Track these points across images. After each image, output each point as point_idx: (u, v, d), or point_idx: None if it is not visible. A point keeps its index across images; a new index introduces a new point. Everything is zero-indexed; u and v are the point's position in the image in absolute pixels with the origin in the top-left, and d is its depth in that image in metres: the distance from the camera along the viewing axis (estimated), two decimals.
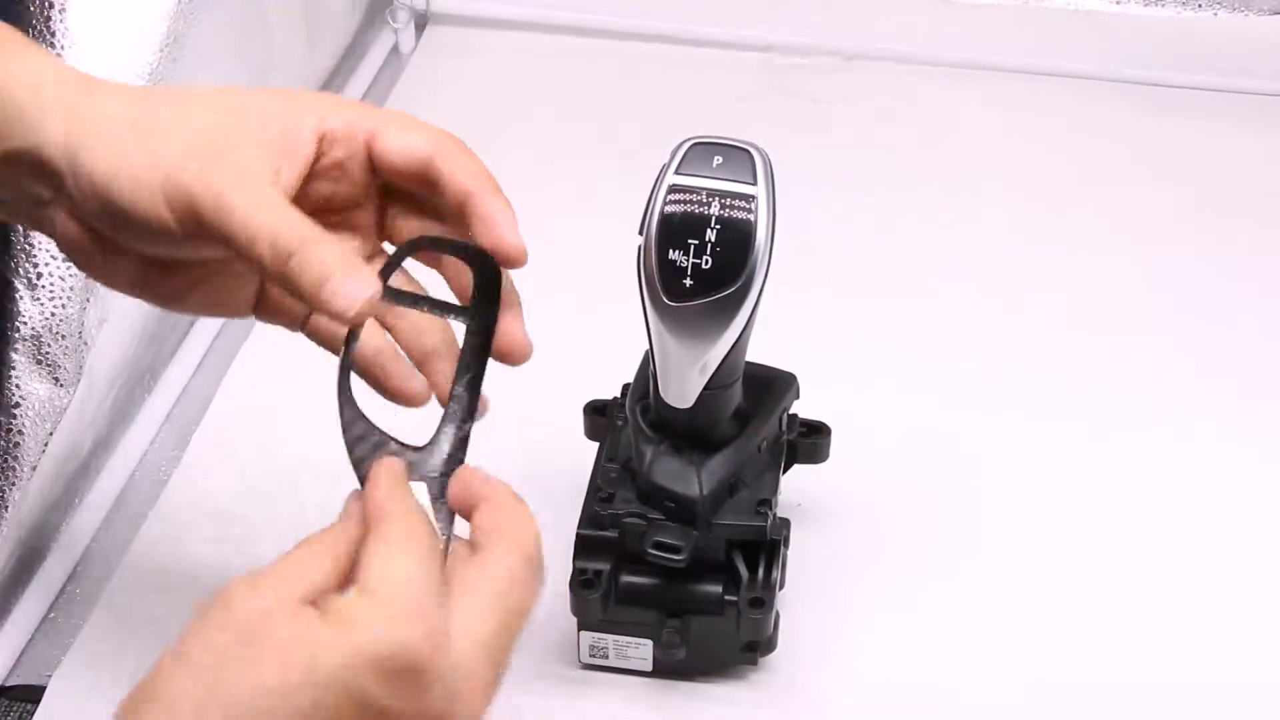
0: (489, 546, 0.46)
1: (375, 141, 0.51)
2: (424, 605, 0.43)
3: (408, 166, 0.51)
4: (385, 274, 0.50)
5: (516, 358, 0.52)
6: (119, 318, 0.74)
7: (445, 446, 0.50)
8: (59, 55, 0.68)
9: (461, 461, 0.50)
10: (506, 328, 0.51)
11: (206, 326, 0.85)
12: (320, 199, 0.52)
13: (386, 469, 0.47)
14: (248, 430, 0.78)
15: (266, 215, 0.47)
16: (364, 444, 0.48)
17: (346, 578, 0.44)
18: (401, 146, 0.51)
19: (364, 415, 0.49)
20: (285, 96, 0.51)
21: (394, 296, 0.51)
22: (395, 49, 1.07)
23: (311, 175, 0.51)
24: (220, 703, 0.40)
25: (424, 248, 0.52)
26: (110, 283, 0.53)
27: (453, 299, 0.53)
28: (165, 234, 0.48)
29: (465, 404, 0.51)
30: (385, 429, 0.49)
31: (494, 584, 0.45)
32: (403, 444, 0.49)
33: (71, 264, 0.68)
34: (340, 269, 0.46)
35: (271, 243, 0.46)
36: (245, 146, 0.48)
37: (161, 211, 0.47)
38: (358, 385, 0.51)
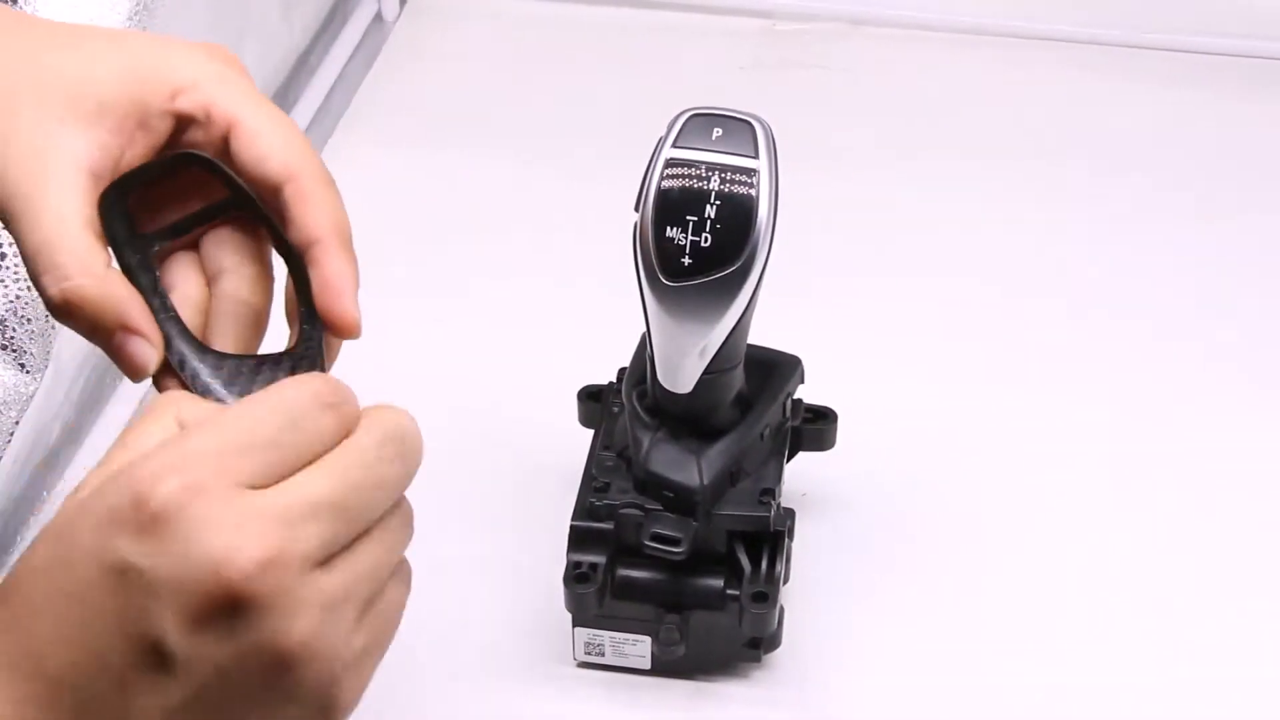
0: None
1: (230, 137, 0.48)
2: (172, 450, 0.39)
3: (257, 180, 0.48)
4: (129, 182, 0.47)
5: (345, 333, 0.48)
6: None
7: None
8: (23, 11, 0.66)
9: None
10: (330, 303, 0.47)
11: None
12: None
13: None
14: None
15: (59, 239, 0.44)
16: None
17: None
18: (254, 159, 0.47)
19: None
20: (143, 60, 0.47)
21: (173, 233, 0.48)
22: (378, 16, 1.08)
23: (167, 147, 0.48)
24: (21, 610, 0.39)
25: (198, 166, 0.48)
26: None
27: None
28: None
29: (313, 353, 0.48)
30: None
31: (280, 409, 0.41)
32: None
33: None
34: (137, 327, 0.45)
35: (56, 269, 0.44)
36: (72, 132, 0.45)
37: None
38: None
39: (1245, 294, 0.85)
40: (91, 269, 0.44)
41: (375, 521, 0.41)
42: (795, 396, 0.66)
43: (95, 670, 0.38)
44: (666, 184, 0.54)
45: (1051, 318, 0.83)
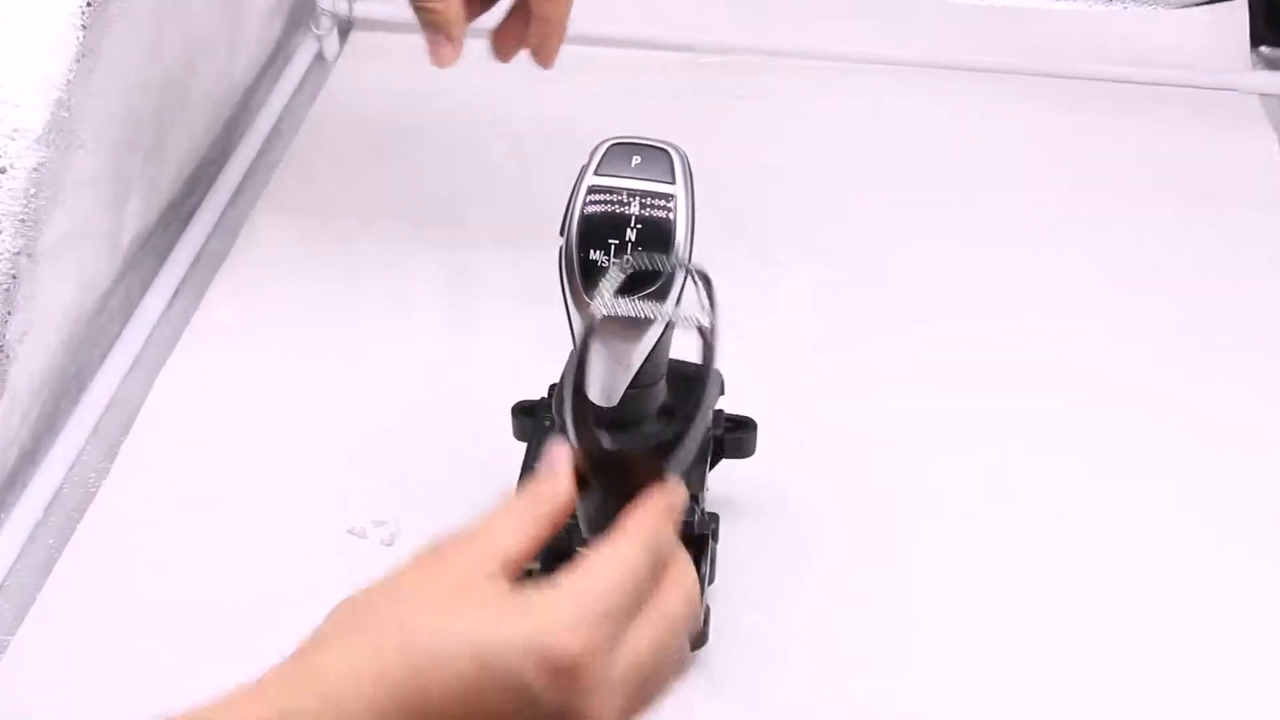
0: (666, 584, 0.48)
1: None
2: (600, 621, 0.45)
3: None
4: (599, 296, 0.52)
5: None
6: (43, 329, 0.73)
7: None
8: None
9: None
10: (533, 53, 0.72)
11: (135, 332, 0.84)
12: None
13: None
14: (179, 439, 0.78)
15: None
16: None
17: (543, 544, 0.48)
18: None
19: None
20: None
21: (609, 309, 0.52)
22: (319, 55, 1.08)
23: None
24: (404, 632, 0.43)
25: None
26: None
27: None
28: None
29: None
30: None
31: (666, 621, 0.47)
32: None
33: None
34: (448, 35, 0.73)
35: None
36: None
37: None
38: None
39: (1144, 296, 0.86)
40: None
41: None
42: (716, 407, 0.65)
43: None
44: (589, 209, 0.55)
45: (955, 323, 0.83)
